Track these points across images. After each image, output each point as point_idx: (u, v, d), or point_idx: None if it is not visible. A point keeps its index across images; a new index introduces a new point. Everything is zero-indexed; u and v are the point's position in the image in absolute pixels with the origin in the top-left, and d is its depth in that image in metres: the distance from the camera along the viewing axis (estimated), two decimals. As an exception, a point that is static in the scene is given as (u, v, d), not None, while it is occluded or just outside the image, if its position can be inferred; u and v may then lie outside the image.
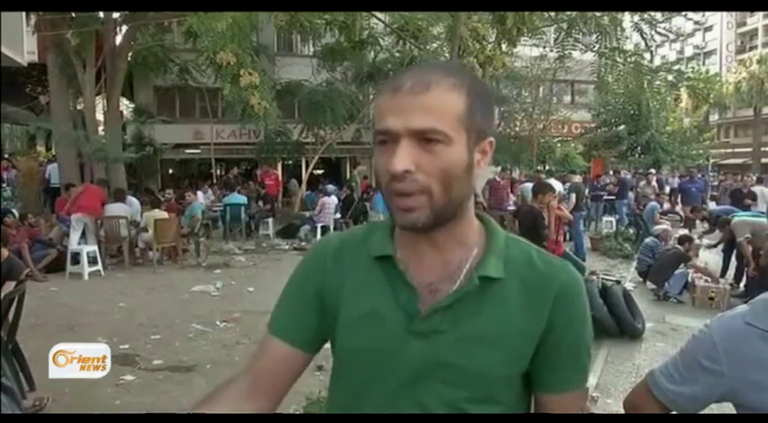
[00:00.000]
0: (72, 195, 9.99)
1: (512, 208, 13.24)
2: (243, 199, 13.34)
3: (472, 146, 0.95)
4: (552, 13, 7.27)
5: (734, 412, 1.22)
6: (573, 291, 1.02)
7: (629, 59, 7.68)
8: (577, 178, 12.79)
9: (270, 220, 13.84)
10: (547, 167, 17.27)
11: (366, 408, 1.02)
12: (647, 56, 8.41)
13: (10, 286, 4.40)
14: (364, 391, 1.02)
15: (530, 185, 11.26)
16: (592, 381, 4.71)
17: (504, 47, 8.00)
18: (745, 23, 46.33)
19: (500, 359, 0.98)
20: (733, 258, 8.55)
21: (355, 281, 1.04)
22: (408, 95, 0.90)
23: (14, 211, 10.90)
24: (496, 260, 1.00)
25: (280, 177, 16.98)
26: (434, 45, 11.06)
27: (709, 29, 49.47)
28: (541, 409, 1.05)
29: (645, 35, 7.69)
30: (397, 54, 15.37)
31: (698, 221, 11.54)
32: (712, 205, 14.90)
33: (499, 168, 14.97)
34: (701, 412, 1.25)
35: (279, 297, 1.12)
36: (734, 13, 44.54)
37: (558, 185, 11.18)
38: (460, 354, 0.97)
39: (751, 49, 43.70)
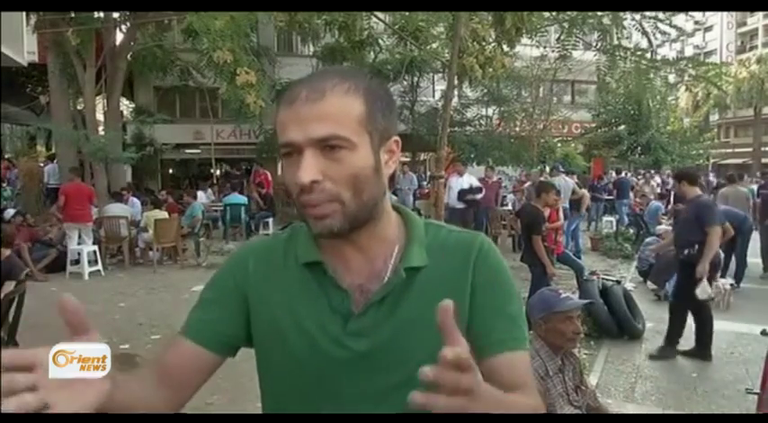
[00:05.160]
0: (59, 203, 9.71)
1: (509, 207, 13.30)
2: (243, 199, 13.36)
3: (377, 147, 0.95)
4: (553, 13, 7.27)
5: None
6: (490, 252, 1.05)
7: (630, 58, 7.67)
8: (575, 178, 12.86)
9: (270, 219, 13.85)
10: (548, 167, 17.27)
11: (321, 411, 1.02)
12: (648, 55, 8.38)
13: (10, 286, 4.41)
14: (314, 399, 1.01)
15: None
16: (592, 380, 4.72)
17: (503, 47, 8.00)
18: (745, 23, 46.31)
19: (438, 339, 0.96)
20: (733, 258, 8.56)
21: (284, 288, 1.04)
22: (305, 105, 0.90)
23: (19, 211, 10.91)
24: (419, 249, 1.02)
25: (270, 177, 17.07)
26: (435, 45, 11.06)
27: (709, 29, 49.45)
28: (488, 377, 0.99)
29: (648, 33, 7.68)
30: (397, 55, 15.37)
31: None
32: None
33: (483, 167, 14.98)
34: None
35: (197, 300, 1.10)
36: (734, 13, 44.53)
37: (569, 182, 11.12)
38: (400, 342, 0.99)
39: (751, 49, 43.67)
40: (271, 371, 1.07)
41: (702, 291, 5.24)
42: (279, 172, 19.61)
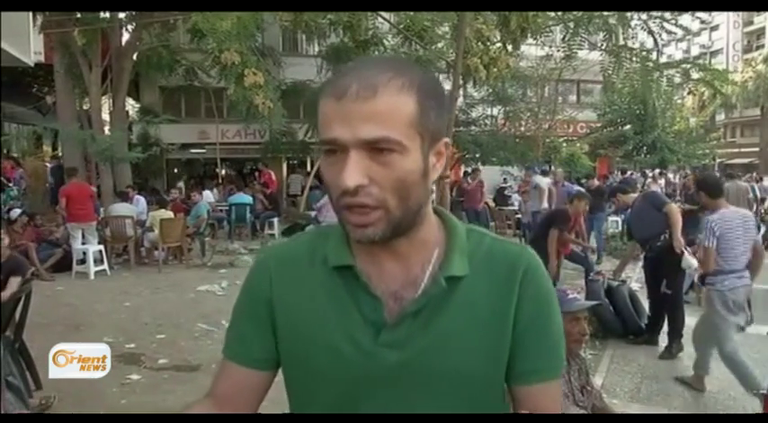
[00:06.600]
0: (60, 204, 9.68)
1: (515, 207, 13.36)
2: (248, 198, 13.39)
3: (427, 150, 0.89)
4: (559, 12, 7.25)
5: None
6: (538, 271, 0.98)
7: (635, 58, 7.65)
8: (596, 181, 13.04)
9: (275, 219, 13.87)
10: (552, 167, 17.26)
11: None
12: (654, 55, 8.36)
13: (14, 283, 4.41)
14: (339, 409, 0.96)
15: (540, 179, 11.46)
16: (598, 381, 4.70)
17: (508, 48, 8.00)
18: (751, 23, 46.06)
19: (479, 357, 0.94)
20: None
21: (309, 294, 0.97)
22: (355, 102, 0.82)
23: (20, 210, 10.93)
24: (460, 257, 0.95)
25: (274, 177, 17.16)
26: (440, 45, 11.06)
27: (715, 28, 49.25)
28: (517, 405, 0.99)
29: (653, 33, 7.66)
30: (402, 55, 15.34)
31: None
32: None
33: (470, 169, 15.01)
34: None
35: (230, 318, 1.06)
36: (740, 13, 44.32)
37: (545, 181, 11.35)
38: (436, 357, 0.92)
39: (758, 48, 43.45)
40: (296, 382, 1.02)
41: (688, 263, 5.33)
42: (291, 170, 19.67)
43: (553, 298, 1.00)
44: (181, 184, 16.80)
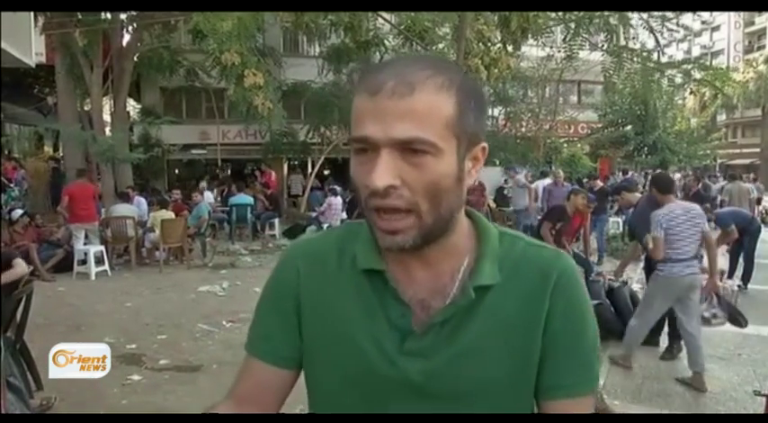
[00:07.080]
0: (63, 204, 9.71)
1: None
2: (249, 199, 13.38)
3: (463, 154, 0.85)
4: (560, 13, 7.25)
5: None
6: (573, 278, 0.93)
7: (636, 58, 7.65)
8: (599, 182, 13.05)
9: (276, 220, 13.87)
10: (552, 168, 17.34)
11: None
12: (655, 55, 8.36)
13: (19, 264, 4.41)
14: (359, 412, 0.94)
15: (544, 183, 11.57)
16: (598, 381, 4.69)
17: (509, 49, 8.00)
18: (753, 23, 46.03)
19: (506, 368, 0.90)
20: (740, 259, 8.50)
21: (337, 295, 0.95)
22: (390, 99, 0.79)
23: (22, 211, 10.95)
24: (491, 265, 0.91)
25: (274, 177, 17.15)
26: (441, 46, 11.08)
27: (716, 28, 49.24)
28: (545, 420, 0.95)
29: (654, 31, 7.65)
30: (403, 56, 15.36)
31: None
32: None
33: (488, 168, 15.05)
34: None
35: (254, 313, 1.03)
36: (742, 13, 44.28)
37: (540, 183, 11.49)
38: (461, 368, 0.89)
39: (759, 48, 43.38)
40: (317, 381, 0.99)
41: None
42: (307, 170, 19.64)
43: (588, 308, 0.95)
44: (204, 183, 16.64)
